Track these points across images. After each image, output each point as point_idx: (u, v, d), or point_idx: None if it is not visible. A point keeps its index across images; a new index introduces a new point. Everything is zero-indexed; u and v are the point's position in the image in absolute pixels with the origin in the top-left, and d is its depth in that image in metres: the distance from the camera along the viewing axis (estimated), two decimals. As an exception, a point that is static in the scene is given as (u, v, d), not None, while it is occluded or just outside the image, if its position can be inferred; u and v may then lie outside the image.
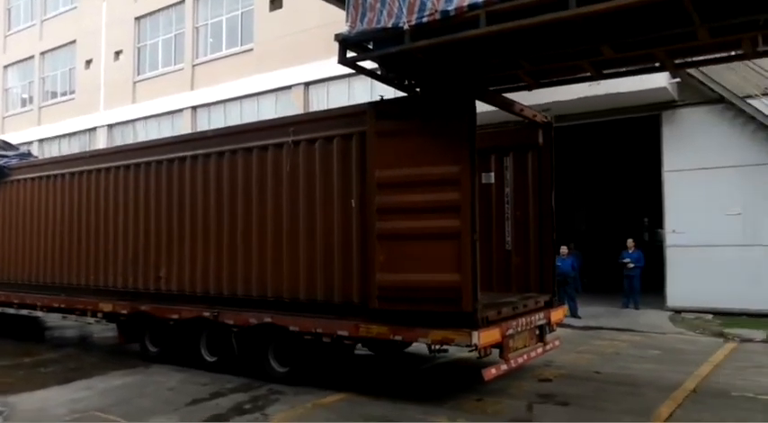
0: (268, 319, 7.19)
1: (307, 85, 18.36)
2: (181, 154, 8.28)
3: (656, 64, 5.72)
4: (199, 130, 20.65)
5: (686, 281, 12.83)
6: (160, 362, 8.46)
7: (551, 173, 7.54)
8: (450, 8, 5.02)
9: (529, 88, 6.68)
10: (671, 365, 8.19)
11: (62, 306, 9.92)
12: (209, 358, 8.07)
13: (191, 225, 8.10)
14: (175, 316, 8.16)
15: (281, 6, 18.80)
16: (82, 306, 9.54)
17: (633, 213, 20.64)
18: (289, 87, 18.72)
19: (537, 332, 7.04)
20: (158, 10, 23.05)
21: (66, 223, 10.01)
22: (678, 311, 12.66)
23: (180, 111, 21.67)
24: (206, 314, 7.81)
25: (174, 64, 22.51)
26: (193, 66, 21.67)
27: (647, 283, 13.93)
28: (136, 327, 8.90)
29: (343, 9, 12.69)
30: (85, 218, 9.66)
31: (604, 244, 18.04)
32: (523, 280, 7.65)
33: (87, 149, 23.75)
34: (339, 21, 6.94)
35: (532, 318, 6.82)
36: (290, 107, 18.39)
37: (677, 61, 5.75)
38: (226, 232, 7.71)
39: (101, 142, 24.10)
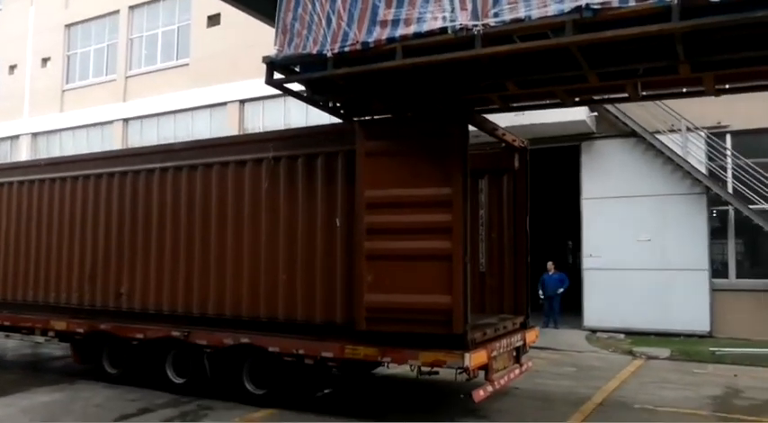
0: (245, 340, 6.91)
1: (242, 102, 18.41)
2: (149, 166, 7.96)
3: (557, 100, 6.21)
4: (129, 142, 20.38)
5: (601, 302, 13.53)
6: (121, 383, 8.00)
7: (526, 196, 7.65)
8: (370, 40, 5.35)
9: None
10: (583, 381, 8.71)
11: (5, 324, 9.22)
12: (176, 380, 7.67)
13: (158, 239, 7.78)
14: (140, 335, 7.71)
15: (218, 23, 18.84)
16: (30, 324, 8.89)
17: (559, 237, 21.54)
18: (224, 104, 18.71)
19: (514, 354, 7.13)
20: (91, 18, 22.59)
21: (12, 235, 9.44)
22: (594, 331, 13.30)
23: (110, 122, 21.25)
24: (175, 334, 7.41)
25: (106, 74, 22.09)
26: (126, 77, 21.33)
27: (570, 303, 14.56)
28: (93, 346, 8.38)
29: (279, 30, 12.91)
30: (36, 229, 9.12)
31: (532, 265, 18.65)
32: (498, 301, 7.66)
33: (8, 158, 23.02)
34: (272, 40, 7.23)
35: (512, 339, 6.87)
36: (225, 123, 18.41)
37: (576, 99, 6.26)
38: (198, 248, 7.41)
39: (23, 151, 23.30)
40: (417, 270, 5.89)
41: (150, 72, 20.76)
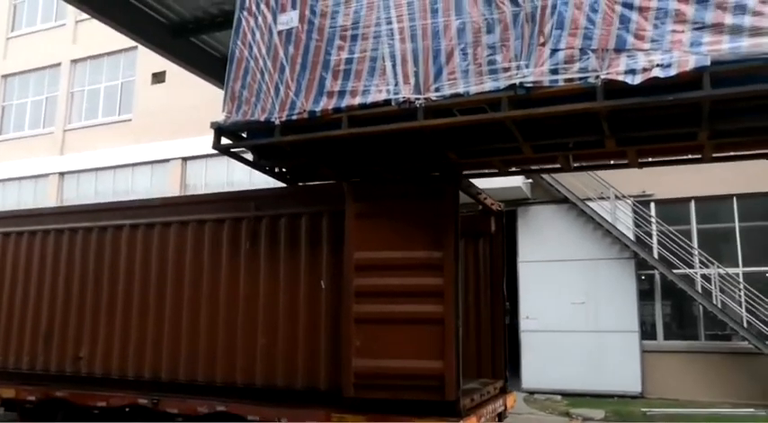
0: (221, 408, 6.50)
1: (185, 159, 18.34)
2: (117, 222, 7.62)
3: (495, 170, 6.53)
4: (64, 196, 19.88)
5: (539, 364, 13.77)
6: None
7: (503, 260, 7.65)
8: (317, 109, 5.56)
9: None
10: (520, 445, 8.77)
11: None
12: None
13: (124, 299, 7.35)
14: (102, 403, 7.15)
15: (163, 81, 18.90)
16: None
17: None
18: (166, 161, 18.59)
19: (497, 419, 7.02)
20: (30, 70, 22.31)
21: None
22: (532, 393, 13.47)
23: (46, 175, 20.73)
24: (142, 401, 6.90)
25: (44, 127, 21.64)
26: (65, 130, 20.96)
27: (510, 364, 14.69)
28: (46, 416, 7.65)
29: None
30: None
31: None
32: (476, 365, 7.50)
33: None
34: (220, 99, 7.29)
35: (495, 405, 6.75)
36: (167, 180, 18.25)
37: (511, 169, 6.60)
38: (168, 309, 7.03)
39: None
40: (408, 334, 5.74)
41: (90, 126, 20.48)
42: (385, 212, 6.06)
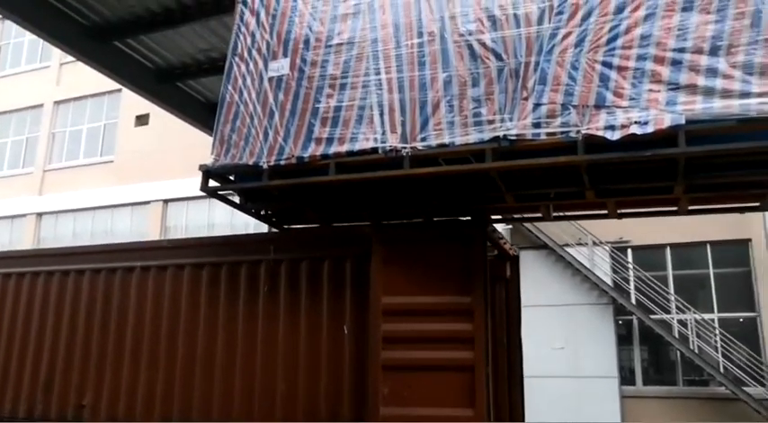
0: None
1: (166, 201, 18.32)
2: (128, 264, 7.25)
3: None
4: (42, 236, 19.67)
5: (519, 411, 13.69)
6: None
7: (519, 305, 7.47)
8: (305, 155, 5.67)
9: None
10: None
11: None
12: None
13: (132, 344, 6.96)
14: None
15: (147, 123, 19.04)
16: None
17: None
18: (147, 202, 18.56)
19: None
20: (12, 111, 22.31)
21: None
22: (511, 440, 13.38)
23: (23, 215, 20.53)
24: None
25: (23, 167, 21.56)
26: (45, 171, 20.89)
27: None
28: None
29: (210, 134, 13.24)
30: None
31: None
32: (495, 411, 7.03)
33: None
34: (203, 142, 7.29)
35: None
36: (147, 222, 18.17)
37: (493, 217, 6.74)
38: (180, 355, 6.63)
39: None
40: (438, 382, 5.55)
41: (71, 167, 20.46)
42: (412, 256, 5.91)
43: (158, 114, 16.27)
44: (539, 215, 6.17)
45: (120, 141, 19.72)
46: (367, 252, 6.04)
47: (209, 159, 6.21)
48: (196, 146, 16.48)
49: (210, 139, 6.40)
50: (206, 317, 6.69)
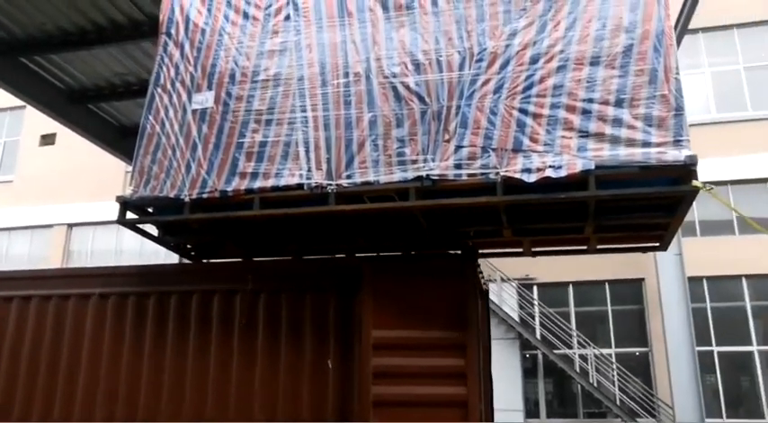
0: None
1: (70, 225, 17.49)
2: (78, 290, 6.66)
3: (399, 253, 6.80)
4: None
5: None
6: None
7: (489, 340, 7.43)
8: (228, 189, 5.63)
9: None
10: None
11: None
12: None
13: (86, 381, 6.35)
14: None
15: (53, 143, 18.18)
16: None
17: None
18: (50, 226, 17.64)
19: None
20: None
21: None
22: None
23: None
24: None
25: None
26: (-65, 190, 19.51)
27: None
28: None
29: (121, 158, 12.81)
30: None
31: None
32: None
33: None
34: (112, 165, 7.02)
35: None
36: (48, 246, 17.24)
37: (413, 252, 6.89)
38: (143, 390, 6.12)
39: None
40: (430, 418, 5.42)
41: (-35, 187, 19.22)
42: (403, 289, 5.78)
43: (66, 134, 15.61)
44: (458, 252, 6.37)
45: (22, 161, 18.69)
46: (352, 284, 5.91)
47: (117, 183, 6.05)
48: (105, 169, 15.98)
49: (121, 162, 6.25)
50: (173, 350, 6.22)
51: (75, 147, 17.45)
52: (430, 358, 5.59)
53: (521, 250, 6.52)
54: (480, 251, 6.49)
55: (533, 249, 6.53)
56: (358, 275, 5.90)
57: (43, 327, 6.61)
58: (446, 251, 6.18)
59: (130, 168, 13.01)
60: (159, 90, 6.18)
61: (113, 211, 6.07)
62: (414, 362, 5.61)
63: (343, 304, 5.96)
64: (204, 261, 6.96)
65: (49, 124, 16.13)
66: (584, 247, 6.33)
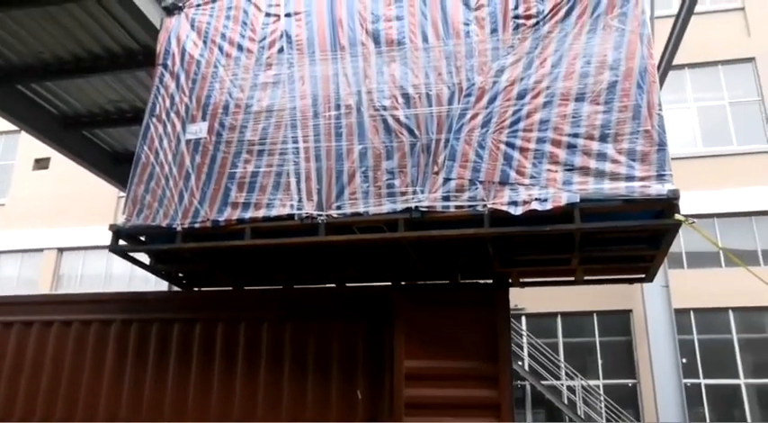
0: None
1: (61, 250, 17.45)
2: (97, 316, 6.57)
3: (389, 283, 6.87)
4: None
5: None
6: None
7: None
8: (220, 219, 5.70)
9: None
10: None
11: None
12: None
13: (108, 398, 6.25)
14: None
15: (46, 167, 18.24)
16: None
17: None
18: (40, 250, 17.59)
19: None
20: None
21: None
22: None
23: None
24: None
25: None
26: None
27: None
28: None
29: (114, 184, 12.85)
30: None
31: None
32: None
33: None
34: (105, 190, 7.03)
35: None
36: (38, 270, 17.17)
37: (402, 282, 6.92)
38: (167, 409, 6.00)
39: None
40: None
41: (-44, 210, 19.18)
42: (435, 319, 5.72)
43: (60, 159, 15.69)
44: (447, 282, 6.43)
45: (15, 184, 18.71)
46: (382, 313, 5.85)
47: (110, 208, 6.12)
48: (97, 194, 16.05)
49: (113, 187, 6.31)
50: (197, 375, 6.09)
51: (68, 172, 17.51)
52: (463, 389, 5.52)
53: (510, 281, 6.57)
54: (470, 281, 6.54)
55: (522, 280, 6.61)
56: (388, 304, 5.85)
57: (24, 352, 6.58)
58: (477, 280, 6.18)
59: (123, 194, 13.07)
60: (154, 120, 6.28)
61: (105, 235, 6.13)
62: (446, 393, 5.53)
63: (373, 334, 5.86)
64: (234, 288, 6.85)
65: (43, 149, 16.26)
66: (572, 279, 6.41)
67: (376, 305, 5.93)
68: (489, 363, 5.55)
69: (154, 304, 6.63)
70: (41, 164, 18.31)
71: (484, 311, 5.71)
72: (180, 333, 6.27)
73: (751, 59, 15.15)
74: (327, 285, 6.82)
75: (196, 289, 7.06)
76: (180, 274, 6.94)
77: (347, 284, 6.70)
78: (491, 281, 6.08)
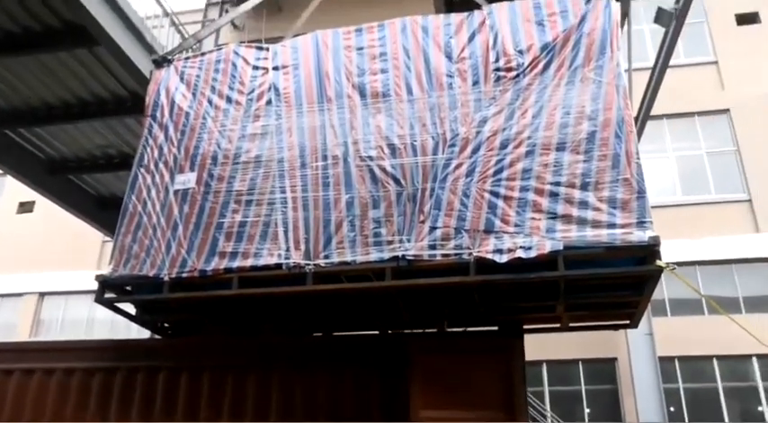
0: None
1: (42, 294, 17.22)
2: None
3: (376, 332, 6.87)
4: None
5: None
6: None
7: None
8: (208, 269, 5.71)
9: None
10: None
11: None
12: None
13: None
14: None
15: (31, 211, 18.15)
16: None
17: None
18: (20, 294, 17.36)
19: None
20: None
21: None
22: None
23: None
24: None
25: None
26: None
27: None
28: None
29: (98, 228, 12.77)
30: None
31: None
32: None
33: None
34: (89, 234, 6.95)
35: None
36: (17, 315, 16.92)
37: (389, 331, 6.94)
38: None
39: None
40: None
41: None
42: (450, 367, 5.64)
43: (45, 203, 15.60)
44: (434, 330, 6.43)
45: (-2, 227, 18.59)
46: (396, 361, 5.76)
47: (94, 253, 6.12)
48: (81, 238, 15.97)
49: (97, 232, 6.32)
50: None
51: (52, 215, 17.35)
52: None
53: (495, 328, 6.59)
54: (456, 329, 6.56)
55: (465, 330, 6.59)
56: (402, 352, 5.77)
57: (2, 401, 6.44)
58: (491, 328, 6.15)
59: (108, 239, 12.98)
60: (143, 170, 6.34)
61: (88, 280, 6.11)
62: None
63: (387, 382, 5.78)
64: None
65: (28, 192, 16.20)
66: (558, 326, 6.44)
67: (389, 353, 5.86)
68: (506, 412, 5.45)
69: (140, 351, 6.56)
70: (26, 207, 18.20)
71: (499, 360, 5.63)
72: (188, 381, 6.09)
73: (726, 111, 15.60)
74: (339, 333, 6.80)
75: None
76: (165, 324, 6.88)
77: (360, 332, 6.69)
78: (505, 328, 6.04)
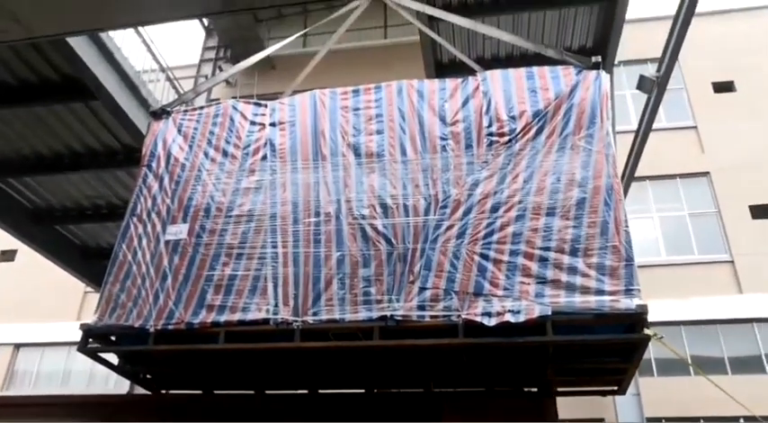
0: None
1: (17, 346, 16.81)
2: None
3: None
4: None
5: None
6: None
7: None
8: (195, 322, 5.64)
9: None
10: None
11: None
12: None
13: None
14: None
15: (12, 260, 17.87)
16: None
17: None
18: (-5, 346, 16.95)
19: None
20: None
21: None
22: None
23: None
24: None
25: None
26: None
27: None
28: None
29: (81, 279, 12.59)
30: None
31: None
32: None
33: None
34: (70, 285, 6.80)
35: None
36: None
37: (375, 390, 6.86)
38: None
39: None
40: None
41: None
42: None
43: (27, 252, 15.40)
44: (420, 390, 6.38)
45: (-26, 273, 18.24)
46: (428, 420, 5.78)
47: (75, 304, 6.04)
48: (62, 289, 15.74)
49: (79, 282, 6.24)
50: None
51: (34, 264, 17.10)
52: None
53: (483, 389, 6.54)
54: (443, 390, 6.50)
55: (496, 389, 6.57)
56: (436, 411, 5.76)
57: None
58: (522, 387, 6.13)
59: (90, 289, 12.76)
60: (135, 219, 6.33)
61: (67, 331, 6.01)
62: None
63: None
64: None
65: (10, 240, 16.01)
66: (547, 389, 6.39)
67: (422, 412, 5.86)
68: None
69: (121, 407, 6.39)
70: (7, 256, 17.93)
71: (533, 419, 5.67)
72: None
73: (706, 173, 15.95)
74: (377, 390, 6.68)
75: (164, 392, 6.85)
76: (148, 376, 6.76)
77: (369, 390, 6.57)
78: (536, 389, 6.06)
